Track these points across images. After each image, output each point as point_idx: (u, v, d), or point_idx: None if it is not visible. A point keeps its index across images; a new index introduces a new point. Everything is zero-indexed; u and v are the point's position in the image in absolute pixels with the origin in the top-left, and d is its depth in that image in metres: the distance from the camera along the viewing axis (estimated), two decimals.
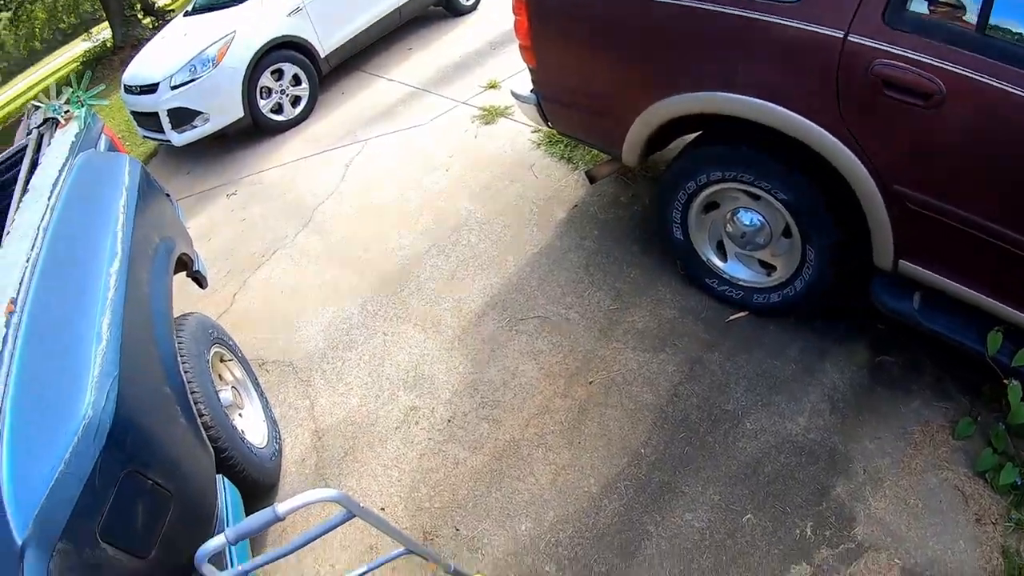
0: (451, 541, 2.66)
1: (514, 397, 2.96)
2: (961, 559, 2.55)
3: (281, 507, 1.55)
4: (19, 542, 1.53)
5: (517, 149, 4.28)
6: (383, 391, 3.21)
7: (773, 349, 2.96)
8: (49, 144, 2.88)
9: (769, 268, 2.99)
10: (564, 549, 2.56)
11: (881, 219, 2.51)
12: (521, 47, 3.10)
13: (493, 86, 5.10)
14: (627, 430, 2.75)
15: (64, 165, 2.69)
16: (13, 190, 2.70)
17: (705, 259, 3.09)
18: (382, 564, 2.15)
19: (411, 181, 4.39)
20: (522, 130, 4.40)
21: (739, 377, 2.89)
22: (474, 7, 7.00)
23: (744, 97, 2.51)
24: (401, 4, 6.42)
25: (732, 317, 3.08)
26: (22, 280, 2.10)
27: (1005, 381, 2.71)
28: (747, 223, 2.88)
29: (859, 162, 2.41)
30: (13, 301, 2.02)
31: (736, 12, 2.44)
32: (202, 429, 2.42)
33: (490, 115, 4.73)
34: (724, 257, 3.08)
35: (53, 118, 3.09)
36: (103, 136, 3.11)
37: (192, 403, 2.43)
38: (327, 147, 5.26)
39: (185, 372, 2.51)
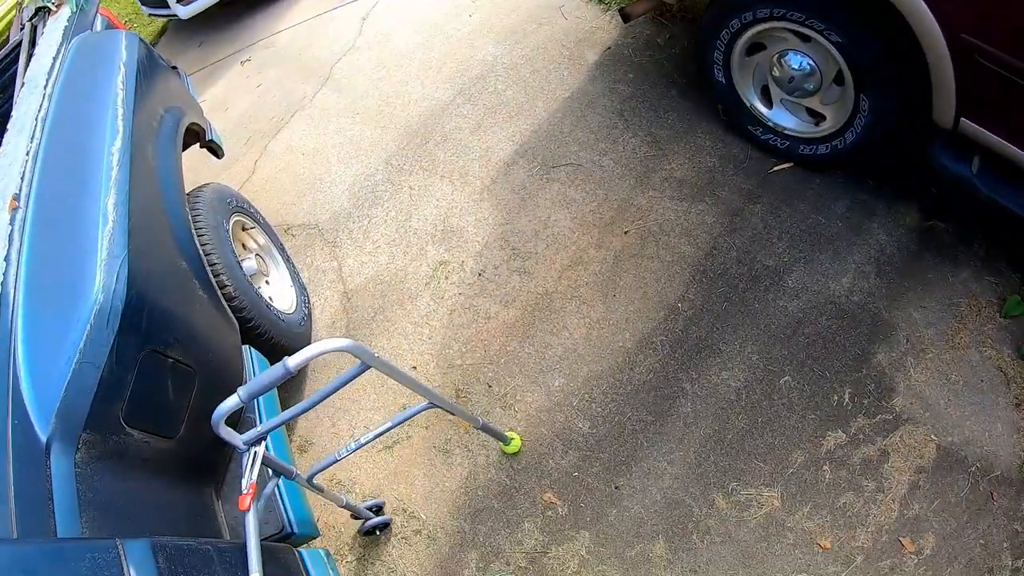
0: (483, 398, 2.64)
1: (546, 248, 2.84)
2: (997, 443, 2.48)
3: (291, 360, 1.47)
4: (43, 439, 1.52)
5: None
6: (411, 247, 3.12)
7: (818, 204, 2.79)
8: (43, 34, 2.74)
9: (818, 117, 2.77)
10: (598, 406, 2.53)
11: (945, 71, 2.28)
12: None
13: None
14: (664, 283, 2.64)
15: (58, 52, 2.56)
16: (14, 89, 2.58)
17: (749, 104, 2.86)
18: (406, 419, 2.13)
19: (432, 28, 4.10)
20: None
21: (781, 232, 2.73)
22: None
23: None
24: None
25: (776, 168, 2.88)
26: (23, 174, 2.02)
27: None
28: (796, 67, 2.64)
29: (925, 5, 2.15)
30: (16, 197, 1.95)
31: None
32: (223, 301, 2.38)
33: None
34: (769, 104, 2.85)
35: (44, 7, 2.93)
36: (99, 17, 2.96)
37: (211, 275, 2.37)
38: (342, 1, 4.92)
39: (203, 244, 2.43)
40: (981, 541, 2.42)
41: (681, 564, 2.27)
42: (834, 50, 2.47)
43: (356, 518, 2.43)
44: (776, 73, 2.72)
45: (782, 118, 2.84)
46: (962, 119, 2.40)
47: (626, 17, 3.15)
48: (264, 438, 1.70)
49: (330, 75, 4.23)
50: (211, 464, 2.13)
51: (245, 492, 1.59)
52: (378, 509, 2.48)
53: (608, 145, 3.02)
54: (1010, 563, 2.35)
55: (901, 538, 2.33)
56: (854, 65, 2.47)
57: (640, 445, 2.44)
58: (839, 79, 2.58)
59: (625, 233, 2.77)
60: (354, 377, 1.67)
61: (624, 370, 2.55)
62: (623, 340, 2.59)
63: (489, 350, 2.72)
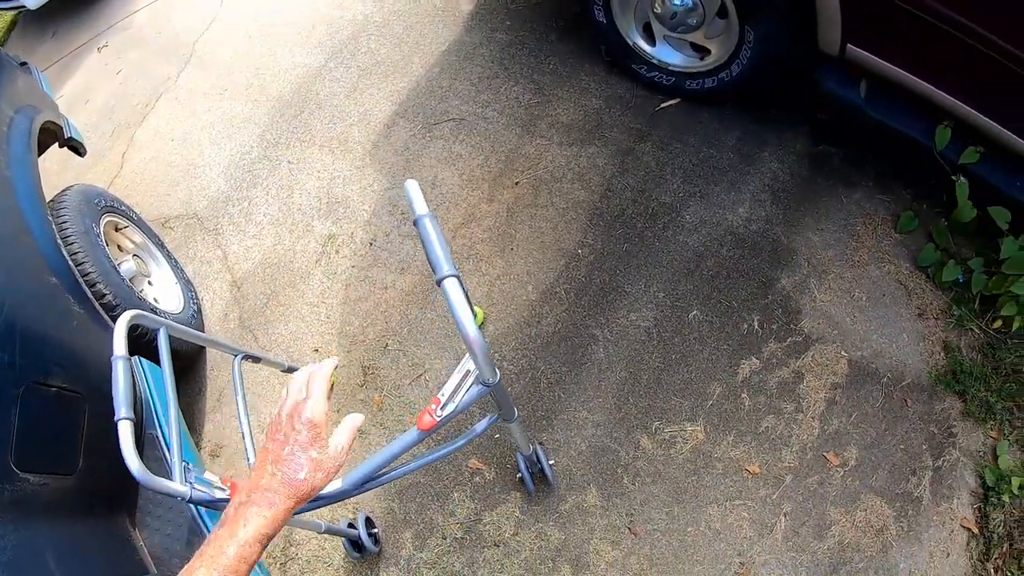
0: (392, 371, 2.49)
1: (436, 208, 2.71)
2: (905, 352, 2.51)
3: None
4: None
5: None
6: (296, 224, 2.92)
7: (709, 137, 2.74)
8: None
9: (703, 52, 2.72)
10: (509, 363, 2.43)
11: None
12: None
13: None
14: (561, 231, 2.54)
15: None
16: None
17: (632, 43, 2.78)
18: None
19: None
20: None
21: (675, 168, 2.67)
22: None
23: None
24: None
25: (663, 105, 2.82)
26: None
27: (953, 178, 2.58)
28: (678, 2, 2.57)
29: None
30: None
31: None
32: (103, 312, 2.19)
33: None
34: (652, 41, 2.78)
35: None
36: None
37: (86, 286, 2.18)
38: None
39: (73, 255, 2.22)
40: (901, 446, 2.45)
41: (616, 510, 2.24)
42: None
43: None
44: (658, 10, 2.64)
45: (666, 55, 2.78)
46: (848, 46, 2.39)
47: None
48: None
49: (193, 52, 3.91)
50: (120, 492, 1.93)
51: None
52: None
53: (490, 96, 2.88)
54: (931, 463, 2.40)
55: (825, 453, 2.34)
56: None
57: (558, 398, 2.36)
58: (722, 12, 2.53)
59: (516, 184, 2.66)
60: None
61: (531, 324, 2.45)
62: (526, 293, 2.49)
63: (391, 321, 2.57)
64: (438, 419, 1.32)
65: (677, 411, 2.33)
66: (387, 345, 2.54)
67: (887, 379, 2.54)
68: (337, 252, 2.77)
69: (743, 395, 2.39)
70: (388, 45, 3.27)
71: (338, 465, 0.86)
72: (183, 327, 1.61)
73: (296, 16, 3.70)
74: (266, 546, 0.79)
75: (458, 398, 1.34)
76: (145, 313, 1.51)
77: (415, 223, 1.20)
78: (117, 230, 2.74)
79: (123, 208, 2.79)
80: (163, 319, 1.57)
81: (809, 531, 2.25)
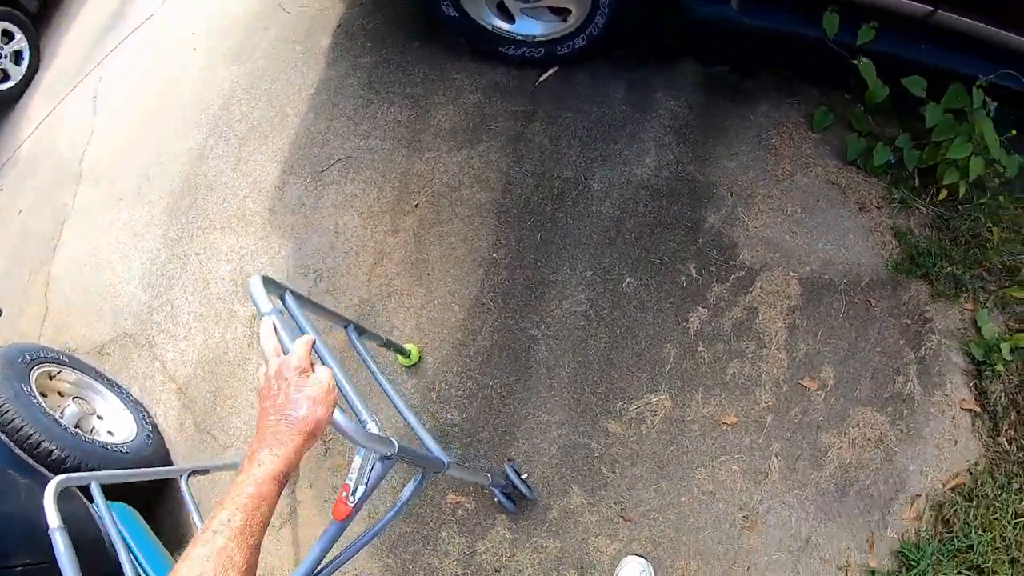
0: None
1: (346, 256, 2.61)
2: (855, 252, 2.42)
3: None
4: None
5: None
6: (220, 314, 2.83)
7: (596, 97, 2.65)
8: None
9: (563, 13, 2.62)
10: (456, 390, 2.35)
11: None
12: None
13: None
14: (471, 239, 2.45)
15: None
16: None
17: (491, 27, 2.69)
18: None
19: (163, 78, 3.74)
20: None
21: (570, 139, 2.58)
22: None
23: None
24: None
25: (542, 78, 2.73)
26: None
27: (854, 61, 2.48)
28: None
29: None
30: None
31: None
32: (52, 471, 2.12)
33: None
34: (511, 18, 2.69)
35: None
36: None
37: (26, 453, 2.14)
38: (68, 87, 4.46)
39: (9, 424, 2.17)
40: (877, 349, 2.36)
41: (603, 502, 2.16)
42: None
43: None
44: None
45: (529, 27, 2.69)
46: None
47: None
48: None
49: (81, 170, 3.81)
50: None
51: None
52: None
53: (369, 125, 2.79)
54: (912, 356, 2.31)
55: (801, 381, 2.26)
56: None
57: (514, 409, 2.28)
58: None
59: (416, 207, 2.56)
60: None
61: (467, 343, 2.36)
62: (454, 314, 2.40)
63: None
64: (352, 506, 1.27)
65: (637, 386, 2.24)
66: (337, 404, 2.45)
67: (844, 285, 2.44)
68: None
69: (700, 349, 2.30)
70: (259, 105, 3.17)
71: (331, 393, 0.93)
72: (114, 472, 1.53)
73: (165, 104, 3.61)
74: (283, 485, 0.84)
75: (365, 478, 1.28)
76: (71, 475, 1.43)
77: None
78: (52, 378, 2.66)
79: (51, 354, 2.72)
80: (90, 475, 1.48)
81: (806, 464, 2.17)
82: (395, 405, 1.76)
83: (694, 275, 2.39)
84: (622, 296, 2.34)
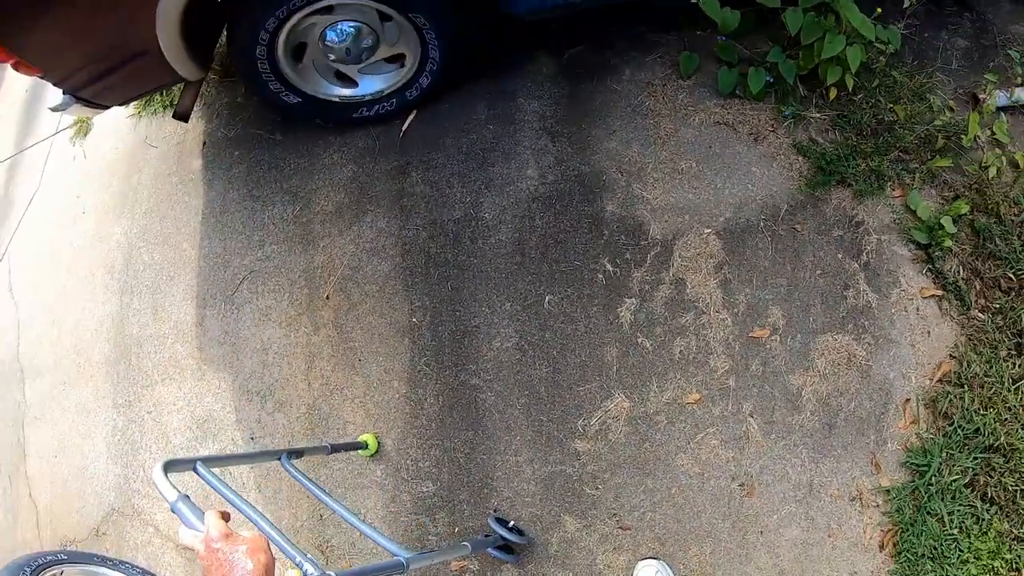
0: (341, 535, 2.42)
1: (280, 370, 2.59)
2: (765, 184, 2.40)
3: None
4: None
5: (124, 135, 3.62)
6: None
7: (461, 127, 2.64)
8: None
9: (399, 60, 2.60)
10: (423, 461, 2.33)
11: None
12: (15, 66, 2.43)
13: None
14: (388, 312, 2.43)
15: None
16: None
17: (338, 98, 2.68)
18: None
19: (67, 250, 3.72)
20: (115, 115, 3.69)
21: (448, 178, 2.55)
22: None
23: None
24: None
25: (404, 127, 2.70)
26: None
27: (694, 1, 2.44)
28: (341, 38, 2.47)
29: None
30: None
31: None
32: None
33: (82, 126, 3.98)
34: (352, 82, 2.67)
35: None
36: None
37: None
38: None
39: None
40: (818, 272, 2.33)
41: (597, 520, 2.14)
42: (357, 0, 2.32)
43: None
44: (332, 56, 2.55)
45: (372, 85, 2.68)
46: None
47: (184, 117, 2.90)
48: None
49: (22, 366, 3.79)
50: None
51: None
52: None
53: (261, 233, 2.76)
54: (856, 265, 2.28)
55: (750, 334, 2.24)
56: None
57: (481, 462, 2.26)
58: (384, 16, 2.43)
59: (327, 299, 2.54)
60: None
61: (417, 415, 2.34)
62: (395, 391, 2.38)
63: (309, 497, 2.45)
64: None
65: (591, 398, 2.22)
66: (322, 515, 2.43)
67: (763, 222, 2.41)
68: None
69: (640, 339, 2.27)
70: (158, 248, 3.15)
71: (261, 538, 0.97)
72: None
73: (75, 275, 3.59)
74: None
75: None
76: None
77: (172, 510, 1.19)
78: None
79: (49, 558, 2.67)
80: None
81: (783, 412, 2.14)
82: (347, 520, 1.74)
83: (610, 269, 2.36)
84: (547, 316, 2.31)
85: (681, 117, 2.59)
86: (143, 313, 3.11)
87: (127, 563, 2.83)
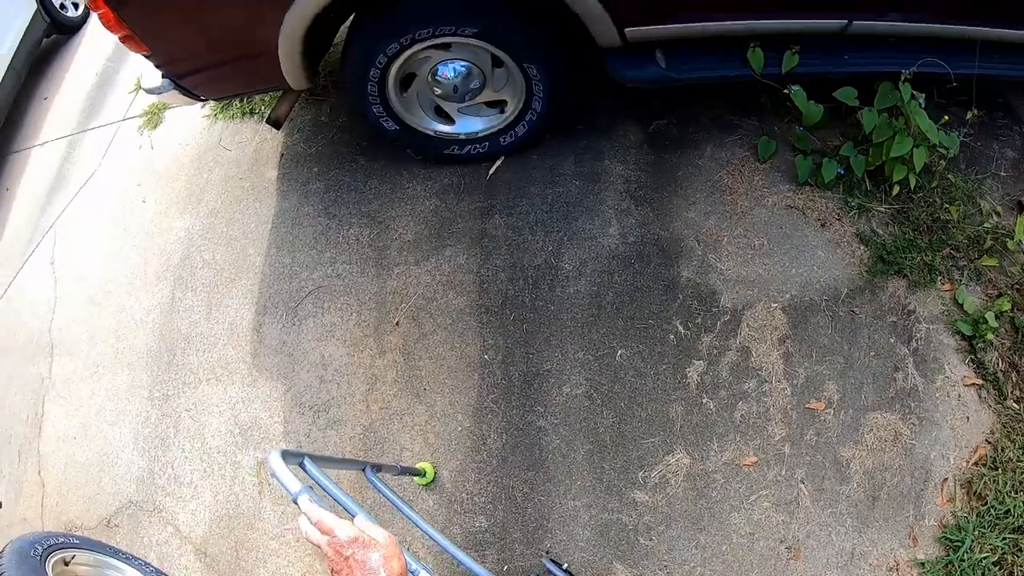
0: None
1: (339, 387, 2.61)
2: (828, 268, 2.50)
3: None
4: None
5: (196, 134, 3.67)
6: (224, 467, 2.80)
7: (548, 178, 2.72)
8: None
9: (500, 105, 2.70)
10: (479, 496, 2.35)
11: (587, 2, 2.25)
12: (123, 39, 2.46)
13: (139, 87, 4.31)
14: (459, 346, 2.47)
15: None
16: None
17: (434, 133, 2.75)
18: None
19: (119, 235, 3.74)
20: (189, 112, 3.76)
21: (532, 225, 2.63)
22: (84, 19, 5.87)
23: None
24: (10, 62, 5.24)
25: (491, 171, 2.78)
26: None
27: (785, 91, 2.59)
28: (452, 75, 2.55)
29: None
30: None
31: None
32: None
33: (153, 117, 4.03)
34: (450, 119, 2.76)
35: None
36: None
37: None
38: (21, 259, 4.43)
39: None
40: (872, 354, 2.41)
41: (648, 572, 2.17)
42: (475, 40, 2.40)
43: None
44: (438, 91, 2.62)
45: (469, 125, 2.76)
46: (626, 30, 2.38)
47: (277, 124, 2.95)
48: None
49: (52, 341, 3.77)
50: None
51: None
52: None
53: (333, 251, 2.81)
54: (907, 351, 2.37)
55: (808, 405, 2.30)
56: (499, 42, 2.40)
57: (540, 503, 2.28)
58: (497, 62, 2.51)
59: (397, 324, 2.58)
60: None
61: (479, 449, 2.36)
62: (459, 424, 2.40)
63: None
64: None
65: (653, 451, 2.27)
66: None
67: (825, 302, 2.50)
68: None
69: (704, 400, 2.33)
70: (220, 249, 3.17)
71: (394, 544, 0.94)
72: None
73: (125, 262, 3.59)
74: None
75: None
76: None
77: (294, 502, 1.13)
78: (67, 564, 2.58)
79: (62, 540, 2.64)
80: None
81: (832, 482, 2.21)
82: (435, 540, 1.76)
83: (682, 331, 2.43)
84: (618, 368, 2.37)
85: (756, 197, 2.70)
86: (195, 310, 3.12)
87: (140, 560, 2.81)
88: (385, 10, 2.34)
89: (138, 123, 4.07)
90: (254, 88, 2.85)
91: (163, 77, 2.64)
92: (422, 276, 2.62)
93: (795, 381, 2.39)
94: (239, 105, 3.48)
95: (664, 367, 2.38)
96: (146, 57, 2.51)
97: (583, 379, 2.36)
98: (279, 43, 2.34)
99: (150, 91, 2.73)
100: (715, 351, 2.41)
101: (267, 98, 3.36)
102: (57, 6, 5.68)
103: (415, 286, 2.61)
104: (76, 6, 5.87)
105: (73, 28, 5.86)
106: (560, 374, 2.37)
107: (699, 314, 2.46)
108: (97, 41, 5.44)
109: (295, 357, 2.72)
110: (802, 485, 2.20)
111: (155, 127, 3.92)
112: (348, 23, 2.65)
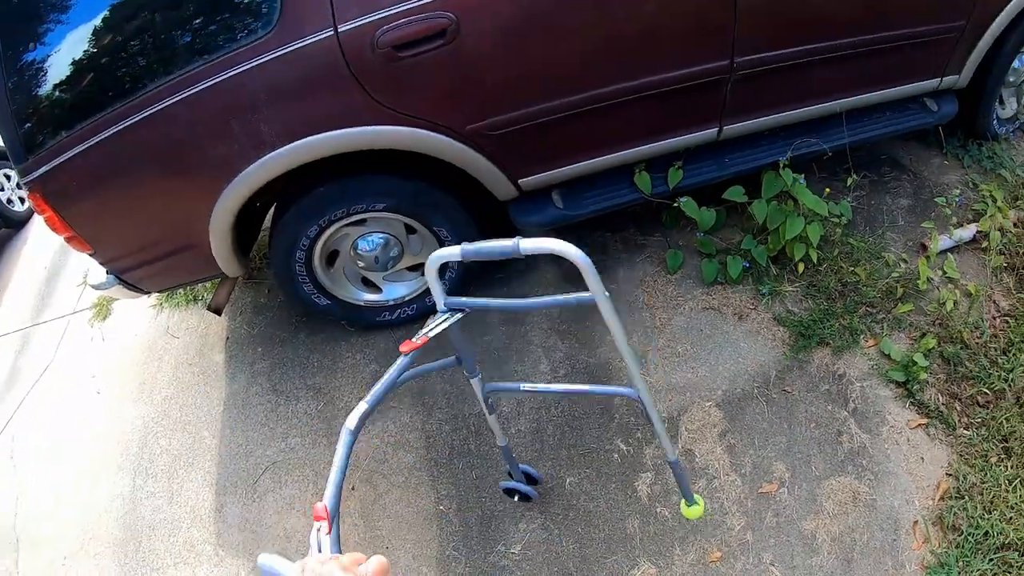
0: None
1: (303, 559, 2.61)
2: (753, 355, 2.65)
3: (524, 243, 1.48)
4: None
5: (145, 324, 3.81)
6: None
7: (477, 329, 2.92)
8: None
9: (420, 268, 2.90)
10: None
11: (476, 162, 2.47)
12: (67, 240, 2.63)
13: (87, 282, 4.45)
14: (415, 502, 2.56)
15: None
16: None
17: (363, 303, 2.92)
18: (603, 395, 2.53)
19: (77, 427, 3.78)
20: (137, 303, 3.90)
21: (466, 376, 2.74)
22: (30, 213, 6.06)
23: (279, 151, 2.30)
24: None
25: (421, 333, 2.91)
26: None
27: (675, 204, 2.81)
28: (371, 247, 2.76)
29: (420, 130, 2.32)
30: None
31: (214, 81, 2.18)
32: None
33: (102, 309, 4.16)
34: (377, 288, 2.94)
35: None
36: None
37: None
38: None
39: None
40: (812, 425, 2.55)
41: None
42: (387, 214, 2.62)
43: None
44: (361, 264, 2.81)
45: (395, 291, 2.94)
46: (520, 181, 2.58)
47: (217, 311, 3.10)
48: (464, 311, 1.72)
49: (17, 536, 3.71)
50: None
51: (416, 340, 1.63)
52: (532, 479, 2.43)
53: (284, 426, 2.91)
54: (846, 413, 2.53)
55: (760, 490, 2.39)
56: (409, 212, 2.63)
57: None
58: (411, 229, 2.73)
59: (352, 489, 2.67)
60: (573, 303, 1.66)
61: None
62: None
63: None
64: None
65: (618, 569, 2.35)
66: None
67: (757, 389, 2.64)
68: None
69: (658, 509, 2.43)
70: (176, 435, 3.25)
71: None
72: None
73: (85, 452, 3.62)
74: None
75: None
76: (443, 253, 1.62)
77: None
78: None
79: None
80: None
81: (801, 556, 2.27)
82: None
83: (624, 448, 2.55)
84: (569, 496, 2.47)
85: (673, 307, 2.89)
86: (157, 496, 3.16)
87: None
88: (302, 197, 2.53)
89: (88, 315, 4.18)
90: (193, 279, 3.01)
91: (108, 273, 2.81)
92: (371, 440, 2.73)
93: (743, 470, 2.50)
94: (183, 293, 3.63)
95: (613, 486, 2.48)
96: (90, 255, 2.68)
97: (537, 512, 2.45)
98: (210, 235, 2.53)
99: (96, 287, 2.89)
100: (660, 460, 2.52)
101: (209, 285, 3.51)
102: (4, 201, 5.85)
103: (366, 450, 2.71)
104: (22, 200, 6.06)
105: (20, 222, 6.03)
106: (514, 511, 2.46)
107: (637, 428, 2.58)
108: (45, 234, 5.60)
109: (259, 533, 2.77)
110: (773, 568, 2.28)
111: (104, 319, 4.04)
112: (271, 212, 2.84)
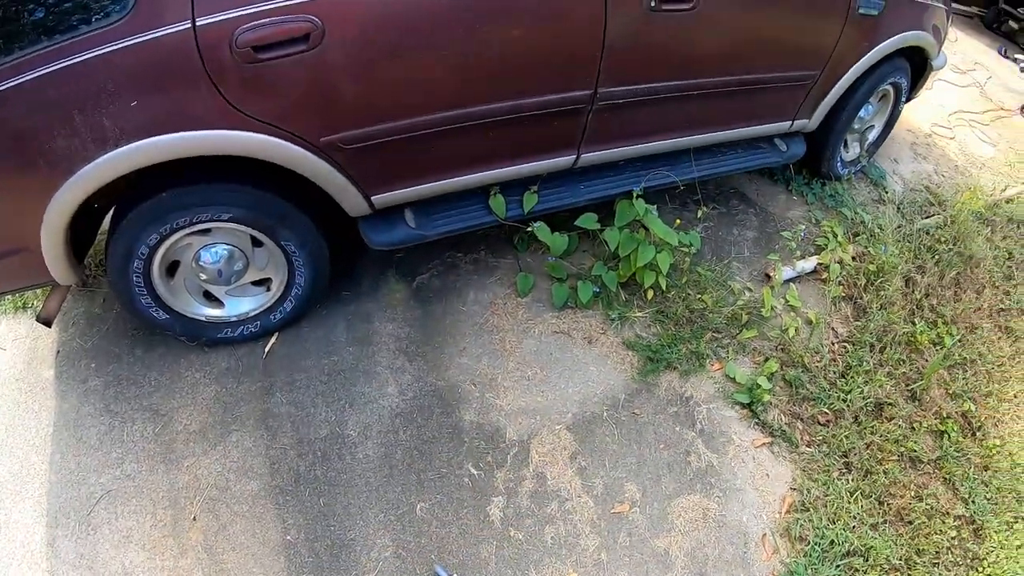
0: None
1: None
2: (603, 379, 2.72)
3: None
4: None
5: None
6: None
7: (322, 349, 2.84)
8: None
9: (265, 283, 2.80)
10: None
11: (329, 175, 2.39)
12: None
13: None
14: (260, 532, 2.50)
15: None
16: None
17: (204, 318, 2.79)
18: None
19: None
20: None
21: (313, 398, 2.71)
22: None
23: (123, 150, 2.11)
24: None
25: (266, 350, 2.84)
26: None
27: (529, 228, 2.83)
28: (214, 260, 2.62)
29: (273, 138, 2.22)
30: None
31: (59, 66, 1.95)
32: None
33: None
34: (219, 302, 2.82)
35: None
36: None
37: None
38: None
39: None
40: (661, 446, 2.75)
41: None
42: (233, 225, 2.49)
43: None
44: (203, 276, 2.68)
45: (238, 307, 2.83)
46: (373, 197, 2.52)
47: (47, 322, 2.88)
48: None
49: None
50: None
51: None
52: None
53: (119, 451, 2.74)
54: (693, 434, 2.75)
55: (612, 511, 2.48)
56: (255, 223, 2.50)
57: None
58: (257, 242, 2.62)
59: (194, 519, 2.56)
60: None
61: None
62: None
63: None
64: None
65: None
66: None
67: (607, 411, 2.72)
68: None
69: (512, 532, 2.47)
70: (2, 459, 2.99)
71: None
72: None
73: None
74: None
75: None
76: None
77: None
78: None
79: None
80: None
81: (656, 573, 2.43)
82: None
83: (475, 472, 2.57)
84: (420, 522, 2.47)
85: (523, 330, 2.92)
86: None
87: None
88: (143, 201, 2.36)
89: None
90: (21, 285, 2.75)
91: None
92: (212, 466, 2.62)
93: (595, 492, 2.58)
94: (11, 300, 3.32)
95: (465, 511, 2.50)
96: None
97: (389, 540, 2.44)
98: (42, 236, 2.31)
99: None
100: (511, 483, 2.56)
101: (40, 292, 3.23)
102: None
103: (206, 477, 2.61)
104: None
105: None
106: (365, 540, 2.44)
107: (488, 452, 2.60)
108: None
109: (95, 569, 2.61)
110: None
111: None
112: (109, 215, 2.64)
